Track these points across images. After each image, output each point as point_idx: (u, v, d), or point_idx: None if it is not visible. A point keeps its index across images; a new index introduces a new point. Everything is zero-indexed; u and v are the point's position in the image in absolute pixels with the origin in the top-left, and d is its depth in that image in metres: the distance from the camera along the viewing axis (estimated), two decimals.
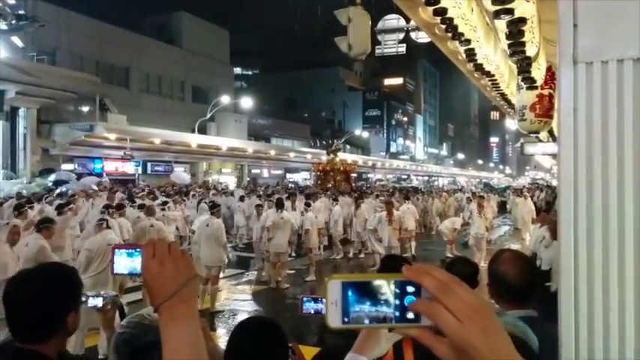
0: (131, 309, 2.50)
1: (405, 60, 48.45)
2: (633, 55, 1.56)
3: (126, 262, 0.94)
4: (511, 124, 26.87)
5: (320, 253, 12.17)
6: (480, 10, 4.27)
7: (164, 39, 36.83)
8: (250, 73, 63.38)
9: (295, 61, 58.76)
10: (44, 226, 6.06)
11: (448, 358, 0.58)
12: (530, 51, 4.18)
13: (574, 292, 1.59)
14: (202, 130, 32.05)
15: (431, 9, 3.71)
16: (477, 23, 4.22)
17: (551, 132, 9.85)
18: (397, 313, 0.61)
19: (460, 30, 4.03)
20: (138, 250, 0.92)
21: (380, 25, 16.64)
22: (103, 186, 19.69)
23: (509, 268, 1.96)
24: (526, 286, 1.95)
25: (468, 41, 4.32)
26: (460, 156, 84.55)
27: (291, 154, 40.27)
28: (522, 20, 3.62)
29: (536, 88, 5.45)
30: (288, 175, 43.59)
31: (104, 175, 25.70)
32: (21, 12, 21.30)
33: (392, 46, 18.09)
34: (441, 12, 3.73)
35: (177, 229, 11.79)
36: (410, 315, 0.60)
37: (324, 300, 1.82)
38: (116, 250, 0.95)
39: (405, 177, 56.03)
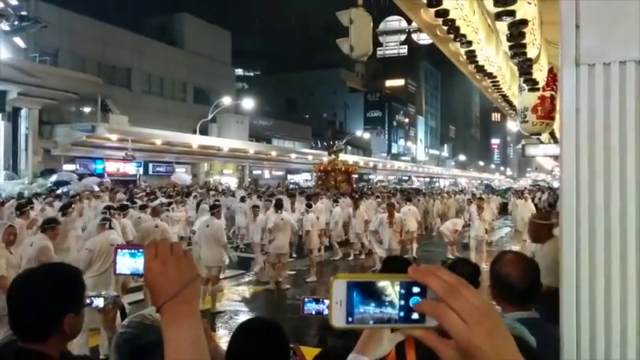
0: (132, 309, 2.50)
1: (406, 61, 48.44)
2: (635, 57, 1.56)
3: (128, 263, 0.94)
4: (512, 125, 26.85)
5: (321, 254, 12.16)
6: (481, 12, 4.27)
7: (166, 40, 36.90)
8: (252, 74, 63.46)
9: (297, 63, 58.80)
10: (49, 226, 6.06)
11: (453, 359, 0.58)
12: (531, 53, 4.17)
13: (576, 292, 1.58)
14: (204, 131, 32.10)
15: (432, 10, 3.71)
16: (479, 25, 4.22)
17: (552, 134, 9.83)
18: (402, 314, 0.61)
19: (462, 32, 4.03)
20: (140, 250, 0.92)
21: (381, 26, 16.64)
22: (105, 187, 19.72)
23: (511, 269, 1.96)
24: (528, 287, 1.95)
25: (470, 43, 4.32)
26: (461, 157, 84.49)
27: (293, 155, 40.29)
28: (524, 22, 3.61)
29: (537, 89, 5.45)
30: (289, 176, 43.60)
31: (105, 175, 25.75)
32: (23, 13, 21.38)
33: (393, 47, 18.08)
34: (443, 13, 3.72)
35: None
36: (415, 316, 0.60)
37: (325, 301, 1.82)
38: (119, 251, 0.95)
39: (406, 178, 56.00)
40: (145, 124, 28.09)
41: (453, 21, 3.83)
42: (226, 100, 31.57)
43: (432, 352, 0.60)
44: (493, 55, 4.87)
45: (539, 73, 4.97)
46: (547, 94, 5.56)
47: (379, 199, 15.86)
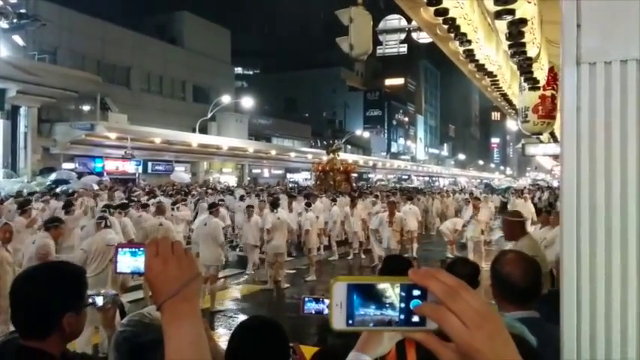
0: (132, 308, 2.50)
1: (406, 60, 48.48)
2: (636, 56, 1.56)
3: (129, 262, 0.93)
4: (512, 124, 26.85)
5: (320, 253, 12.16)
6: (481, 11, 4.26)
7: (165, 38, 36.88)
8: (251, 72, 63.42)
9: (296, 61, 58.76)
10: (53, 225, 6.06)
11: None
12: (531, 52, 4.17)
13: (576, 292, 1.58)
14: (203, 130, 32.08)
15: (432, 9, 3.70)
16: (479, 24, 4.21)
17: (552, 133, 9.83)
18: (402, 316, 0.61)
19: (462, 30, 4.02)
20: (141, 249, 0.92)
21: (381, 25, 16.63)
22: (104, 185, 19.71)
23: (513, 268, 1.96)
24: (530, 287, 1.95)
25: (470, 42, 4.32)
26: (461, 156, 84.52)
27: (292, 154, 40.29)
28: (523, 21, 3.61)
29: (538, 89, 5.44)
30: (288, 175, 43.61)
31: (105, 174, 25.73)
32: (22, 11, 21.37)
33: (393, 46, 18.09)
34: (443, 12, 3.71)
35: None
36: (415, 318, 0.60)
37: (325, 300, 1.82)
38: (119, 250, 0.94)
39: (406, 177, 56.02)
40: (144, 122, 28.07)
41: (453, 20, 3.83)
42: (226, 99, 31.56)
43: (433, 353, 0.60)
44: (493, 54, 4.87)
45: (540, 73, 4.97)
46: (548, 93, 5.56)
47: (374, 199, 15.82)
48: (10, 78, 21.34)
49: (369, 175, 49.34)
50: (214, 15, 42.41)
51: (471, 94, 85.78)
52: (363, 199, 15.90)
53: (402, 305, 0.61)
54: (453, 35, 4.12)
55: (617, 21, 1.58)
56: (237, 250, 13.06)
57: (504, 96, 7.24)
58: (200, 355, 0.86)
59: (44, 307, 1.52)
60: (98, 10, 31.02)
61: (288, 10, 58.90)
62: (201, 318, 0.90)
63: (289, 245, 12.42)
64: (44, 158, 24.18)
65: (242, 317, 7.05)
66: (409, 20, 14.02)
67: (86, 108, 27.24)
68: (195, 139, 30.17)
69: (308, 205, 11.96)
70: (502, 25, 3.74)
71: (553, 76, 5.42)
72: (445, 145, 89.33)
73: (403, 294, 0.61)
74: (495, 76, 5.65)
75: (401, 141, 69.50)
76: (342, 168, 26.43)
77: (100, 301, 1.96)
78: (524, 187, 31.08)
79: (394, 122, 66.51)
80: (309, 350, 2.46)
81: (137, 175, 28.91)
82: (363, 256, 12.74)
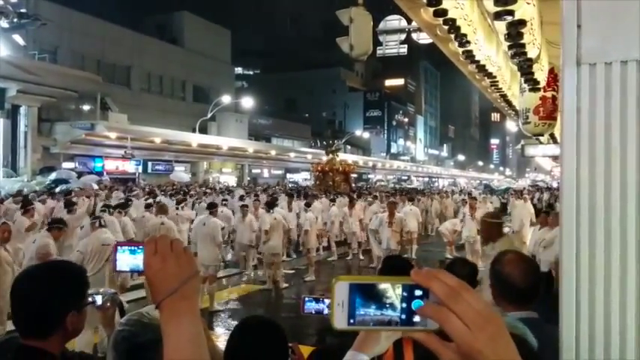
0: (132, 307, 2.49)
1: (406, 61, 48.46)
2: (637, 57, 1.56)
3: (128, 260, 0.93)
4: (512, 125, 26.88)
5: (319, 253, 12.16)
6: (480, 12, 4.26)
7: (166, 38, 36.87)
8: (251, 72, 63.42)
9: (296, 62, 58.77)
10: (56, 226, 6.07)
11: None
12: (531, 53, 4.17)
13: (575, 293, 1.58)
14: (203, 130, 32.07)
15: (432, 10, 3.70)
16: (479, 24, 4.21)
17: (551, 134, 9.83)
18: (403, 316, 0.61)
19: (463, 31, 4.02)
20: (140, 247, 0.92)
21: (381, 25, 16.62)
22: (104, 185, 19.70)
23: (513, 269, 1.96)
24: (530, 287, 1.96)
25: (469, 42, 4.32)
26: (460, 157, 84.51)
27: (292, 154, 40.29)
28: (522, 22, 3.61)
29: (539, 90, 5.45)
30: (288, 175, 43.61)
31: (104, 173, 25.72)
32: (23, 10, 21.35)
33: (393, 46, 18.08)
34: (442, 13, 3.71)
35: None
36: (416, 318, 0.61)
37: (325, 300, 1.81)
38: (119, 248, 0.94)
39: (406, 178, 56.01)
40: (144, 122, 28.06)
41: (453, 20, 3.83)
42: (226, 99, 31.55)
43: (431, 351, 0.60)
44: (493, 55, 4.87)
45: (540, 73, 4.97)
46: (548, 94, 5.56)
47: (371, 199, 15.80)
48: (10, 77, 21.33)
49: (369, 176, 49.34)
50: (214, 15, 42.45)
51: (471, 95, 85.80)
52: (364, 200, 15.90)
53: (404, 305, 0.61)
54: (453, 36, 4.12)
55: (618, 21, 1.58)
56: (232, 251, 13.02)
57: (504, 97, 7.25)
58: (199, 354, 0.86)
59: (47, 307, 1.52)
60: (98, 9, 31.04)
61: (288, 10, 58.95)
62: (200, 316, 0.90)
63: (289, 245, 12.44)
64: (44, 157, 24.17)
65: (240, 317, 7.05)
66: (409, 21, 14.02)
67: (86, 107, 27.23)
68: (195, 139, 30.16)
69: (307, 205, 11.96)
70: (501, 26, 3.74)
71: (553, 77, 5.42)
72: (445, 145, 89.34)
73: (405, 294, 0.61)
74: (495, 77, 5.66)
75: (401, 142, 69.50)
76: (341, 168, 26.43)
77: (99, 300, 1.96)
78: (524, 188, 31.07)
79: (394, 123, 66.51)
80: (307, 350, 2.45)
81: (137, 174, 28.90)
82: (361, 257, 12.73)
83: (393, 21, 16.77)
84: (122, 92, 31.35)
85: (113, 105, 28.62)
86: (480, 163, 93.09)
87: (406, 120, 70.57)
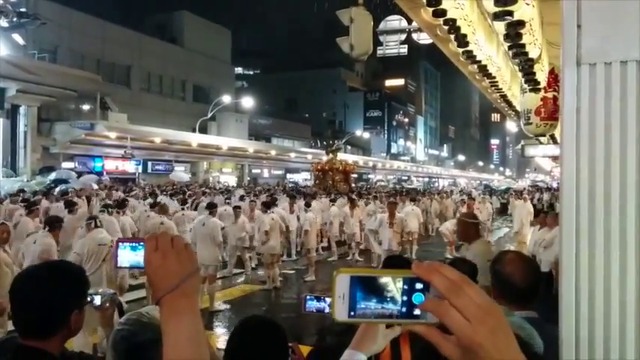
0: (132, 307, 2.49)
1: (406, 61, 48.44)
2: (636, 57, 1.56)
3: (129, 256, 0.93)
4: (512, 126, 26.88)
5: (320, 253, 12.16)
6: (481, 12, 4.27)
7: (165, 38, 36.86)
8: (251, 72, 63.41)
9: (297, 62, 58.77)
10: (58, 225, 6.06)
11: (454, 356, 0.58)
12: (532, 53, 4.18)
13: (575, 293, 1.58)
14: (203, 130, 32.07)
15: (431, 10, 3.70)
16: (479, 25, 4.22)
17: (551, 134, 9.84)
18: (404, 309, 0.61)
19: (463, 32, 4.03)
20: (141, 243, 0.92)
21: (382, 25, 16.60)
22: (104, 184, 19.70)
23: (513, 269, 1.97)
24: (530, 287, 1.96)
25: (468, 43, 4.32)
26: (461, 157, 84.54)
27: (292, 155, 40.29)
28: (521, 23, 3.62)
29: (539, 90, 5.46)
30: (288, 175, 43.60)
31: (104, 173, 25.73)
32: (22, 10, 21.34)
33: (393, 47, 18.05)
34: (441, 13, 3.72)
35: None
36: (417, 311, 0.61)
37: (326, 299, 1.80)
38: (120, 244, 0.94)
39: (406, 178, 56.02)
40: (144, 122, 28.06)
41: (453, 21, 3.83)
42: (226, 99, 31.55)
43: (427, 349, 0.60)
44: (494, 55, 4.87)
45: (541, 73, 4.98)
46: (549, 95, 5.57)
47: (367, 200, 15.79)
48: (9, 77, 21.32)
49: (369, 176, 49.34)
50: (214, 15, 42.47)
51: (471, 95, 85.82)
52: (364, 200, 15.89)
53: (404, 298, 0.61)
54: (453, 37, 4.12)
55: (618, 22, 1.58)
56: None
57: (504, 97, 7.25)
58: (198, 352, 0.85)
59: (51, 306, 1.52)
60: (98, 9, 31.07)
61: (288, 10, 58.94)
62: (199, 314, 0.89)
63: (289, 246, 12.43)
64: (44, 157, 24.17)
65: (240, 317, 7.04)
66: (410, 21, 14.02)
67: (86, 107, 27.22)
68: (195, 138, 30.15)
69: (307, 205, 11.95)
70: (501, 27, 3.75)
71: (554, 78, 5.43)
72: (445, 146, 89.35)
73: (406, 287, 0.61)
74: (494, 77, 5.66)
75: (401, 142, 69.51)
76: (340, 168, 26.42)
77: (98, 300, 1.96)
78: (524, 189, 31.10)
79: (394, 123, 66.52)
80: (308, 350, 2.45)
81: (137, 174, 28.90)
82: (358, 258, 12.70)
83: (394, 21, 16.75)
84: (122, 92, 31.33)
85: (113, 105, 28.61)
86: (480, 164, 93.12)
87: (406, 120, 70.58)
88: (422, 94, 77.33)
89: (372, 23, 6.23)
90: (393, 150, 65.50)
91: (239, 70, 52.50)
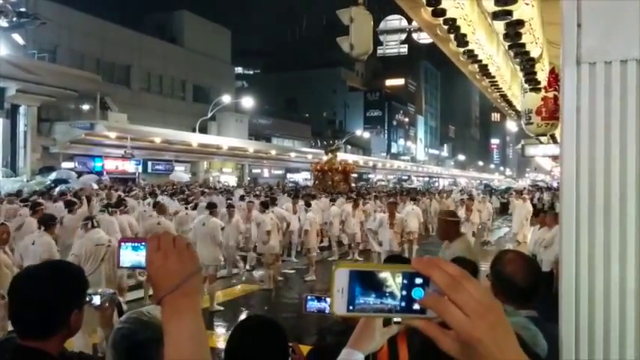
0: (131, 308, 2.49)
1: (406, 61, 48.45)
2: (636, 56, 1.56)
3: (131, 256, 0.93)
4: (512, 125, 26.89)
5: (321, 253, 12.15)
6: (480, 12, 4.27)
7: (165, 38, 36.86)
8: (252, 72, 63.42)
9: (297, 61, 58.77)
10: (53, 223, 6.08)
11: (453, 351, 0.58)
12: (533, 52, 4.18)
13: (575, 292, 1.58)
14: (203, 130, 32.07)
15: (431, 9, 3.70)
16: (479, 25, 4.22)
17: (551, 134, 9.85)
18: (403, 304, 0.61)
19: (462, 31, 4.03)
20: (143, 243, 0.92)
21: (382, 25, 16.61)
22: (104, 184, 19.69)
23: (514, 268, 1.96)
24: (530, 286, 1.96)
25: (468, 43, 4.32)
26: (461, 157, 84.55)
27: (292, 154, 40.29)
28: (520, 22, 3.62)
29: (540, 89, 5.46)
30: (288, 175, 43.61)
31: (104, 173, 25.72)
32: (22, 9, 21.35)
33: (394, 46, 18.06)
34: (441, 13, 3.72)
35: None
36: (416, 306, 0.61)
37: (327, 299, 1.80)
38: (122, 244, 0.94)
39: (406, 178, 56.03)
40: (144, 122, 28.06)
41: (453, 20, 3.83)
42: (226, 99, 31.55)
43: (424, 347, 0.60)
44: (494, 55, 4.88)
45: (541, 73, 4.98)
46: (550, 94, 5.57)
47: (364, 199, 15.76)
48: (9, 77, 21.33)
49: (369, 176, 49.35)
50: (214, 14, 42.48)
51: (471, 95, 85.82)
52: (363, 201, 15.87)
53: (404, 293, 0.61)
54: (452, 36, 4.12)
55: (618, 21, 1.58)
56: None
57: (504, 97, 7.25)
58: (200, 352, 0.85)
59: (52, 306, 1.52)
60: (98, 9, 31.06)
61: (288, 10, 58.92)
62: (201, 314, 0.89)
63: (289, 246, 12.43)
64: (44, 157, 24.16)
65: (241, 317, 7.05)
66: (410, 21, 14.03)
67: (86, 107, 27.22)
68: (195, 138, 30.16)
69: (307, 205, 11.95)
70: (500, 26, 3.75)
71: (555, 77, 5.43)
72: (445, 145, 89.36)
73: (405, 282, 0.61)
74: (494, 77, 5.66)
75: (401, 141, 69.51)
76: (340, 168, 26.41)
77: (97, 300, 1.96)
78: (524, 188, 31.10)
79: (394, 123, 66.52)
80: (308, 350, 2.45)
81: (137, 174, 28.89)
82: (359, 258, 12.70)
83: (394, 21, 16.76)
84: (122, 92, 31.34)
85: (113, 104, 28.61)
86: (481, 163, 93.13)
87: (406, 120, 70.58)
88: (422, 94, 77.33)
89: (372, 23, 6.22)
90: (393, 150, 65.51)
91: (239, 70, 52.51)
